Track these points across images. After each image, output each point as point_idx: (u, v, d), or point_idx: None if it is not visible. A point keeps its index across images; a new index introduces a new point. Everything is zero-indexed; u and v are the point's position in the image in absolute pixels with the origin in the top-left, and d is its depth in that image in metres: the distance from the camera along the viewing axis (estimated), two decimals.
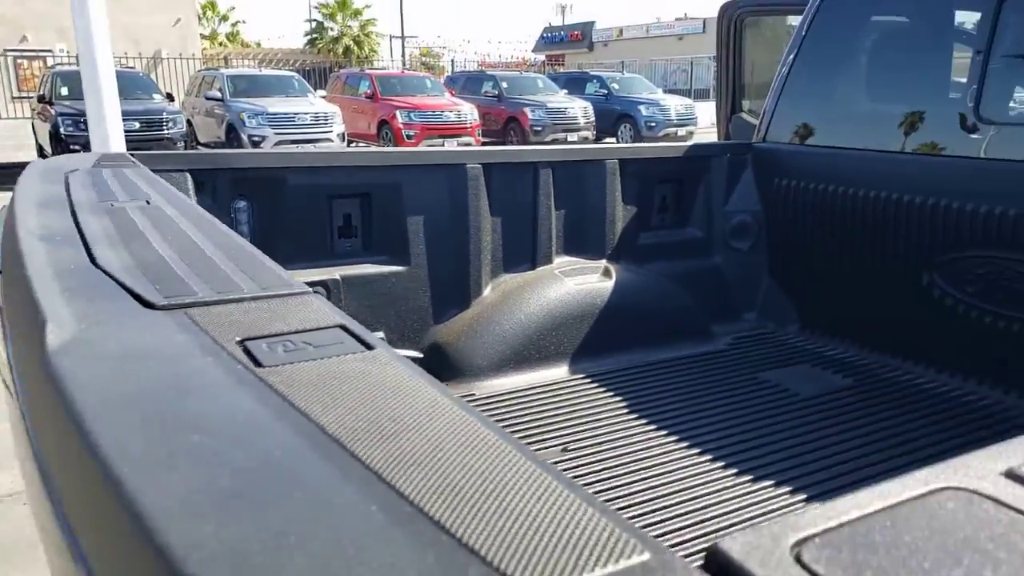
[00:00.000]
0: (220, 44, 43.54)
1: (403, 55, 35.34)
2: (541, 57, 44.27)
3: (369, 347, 0.64)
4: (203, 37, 37.72)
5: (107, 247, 0.91)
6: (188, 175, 2.10)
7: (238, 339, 0.64)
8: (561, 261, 2.72)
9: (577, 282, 2.66)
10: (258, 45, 44.27)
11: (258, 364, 0.60)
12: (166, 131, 13.73)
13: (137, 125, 12.85)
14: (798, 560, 0.35)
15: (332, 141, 14.58)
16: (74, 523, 0.48)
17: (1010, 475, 0.39)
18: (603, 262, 2.77)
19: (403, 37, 35.81)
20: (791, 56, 2.97)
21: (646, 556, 0.35)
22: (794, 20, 3.49)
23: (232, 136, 14.65)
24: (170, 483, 0.44)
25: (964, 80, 2.49)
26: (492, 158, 2.58)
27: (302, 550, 0.38)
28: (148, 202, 1.26)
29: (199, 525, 0.40)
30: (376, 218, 2.43)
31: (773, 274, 3.00)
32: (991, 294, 2.32)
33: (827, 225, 2.74)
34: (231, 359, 0.61)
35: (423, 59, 43.84)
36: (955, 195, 2.37)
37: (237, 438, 0.52)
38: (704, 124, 17.62)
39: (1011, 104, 2.57)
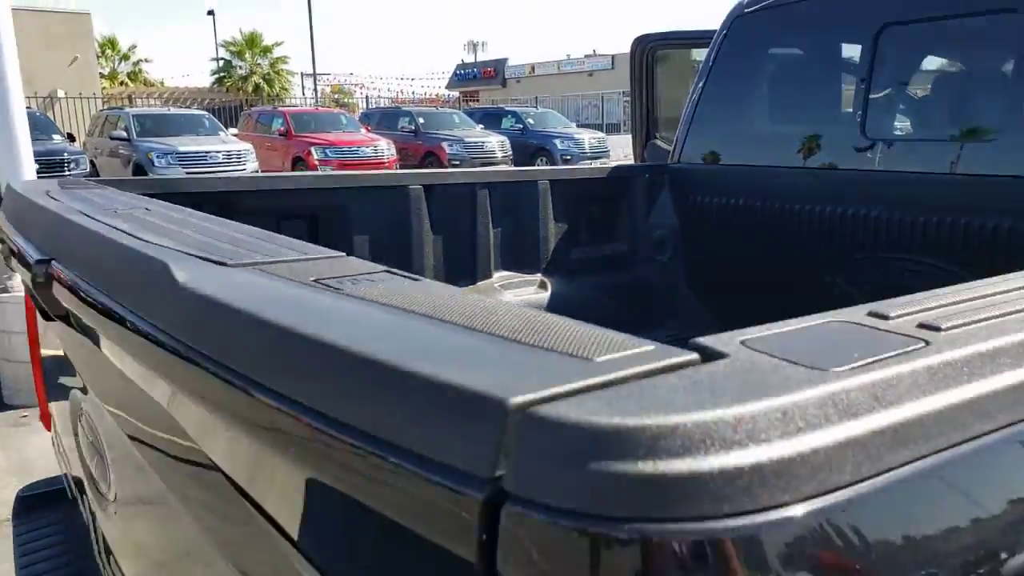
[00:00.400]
0: (120, 83, 42.12)
1: (316, 92, 35.16)
2: (455, 93, 44.89)
3: (417, 279, 0.77)
4: (102, 76, 36.45)
5: (149, 235, 0.99)
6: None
7: (311, 279, 0.76)
8: (500, 276, 2.87)
9: (515, 295, 2.81)
10: (162, 84, 43.08)
11: (339, 291, 0.72)
12: (68, 172, 13.22)
13: (37, 167, 12.30)
14: (743, 344, 0.55)
15: None
16: (258, 375, 0.59)
17: (872, 314, 0.64)
18: (538, 276, 2.93)
19: (315, 74, 35.67)
20: (700, 84, 3.25)
21: (652, 347, 0.54)
22: (699, 55, 3.81)
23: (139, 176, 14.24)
24: (332, 331, 0.58)
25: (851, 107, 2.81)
26: (432, 180, 2.71)
27: (442, 351, 0.56)
28: (148, 208, 1.32)
29: (368, 344, 0.55)
30: (323, 238, 2.51)
31: (690, 284, 3.24)
32: (883, 291, 2.60)
33: (737, 236, 3.00)
34: (317, 289, 0.73)
35: (335, 96, 43.68)
36: (848, 203, 2.66)
37: (359, 315, 0.67)
38: (616, 156, 18.32)
39: (895, 123, 2.91)
